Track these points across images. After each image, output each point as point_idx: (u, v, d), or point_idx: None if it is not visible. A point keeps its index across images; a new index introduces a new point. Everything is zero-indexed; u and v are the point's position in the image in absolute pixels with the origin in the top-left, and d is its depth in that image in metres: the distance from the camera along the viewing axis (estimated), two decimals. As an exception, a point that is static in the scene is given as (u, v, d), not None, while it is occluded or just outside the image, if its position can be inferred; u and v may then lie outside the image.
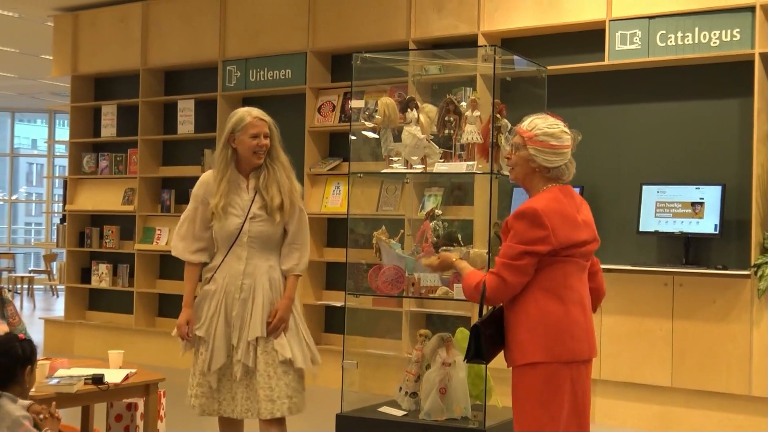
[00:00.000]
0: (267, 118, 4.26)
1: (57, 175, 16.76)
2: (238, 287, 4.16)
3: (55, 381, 4.27)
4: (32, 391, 3.79)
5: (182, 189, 8.96)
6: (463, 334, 4.89)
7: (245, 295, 4.16)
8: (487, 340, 3.41)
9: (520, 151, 3.44)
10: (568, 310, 3.36)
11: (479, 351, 3.41)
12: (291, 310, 4.19)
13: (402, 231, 5.09)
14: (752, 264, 6.02)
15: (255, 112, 4.25)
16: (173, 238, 4.36)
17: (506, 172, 4.64)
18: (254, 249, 4.19)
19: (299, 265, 4.25)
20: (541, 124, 3.43)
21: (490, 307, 3.58)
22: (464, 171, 4.80)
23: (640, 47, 6.52)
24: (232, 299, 4.16)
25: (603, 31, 6.67)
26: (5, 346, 3.58)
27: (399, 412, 4.90)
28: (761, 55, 6.10)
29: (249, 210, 4.18)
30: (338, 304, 7.47)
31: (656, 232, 6.41)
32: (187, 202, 8.86)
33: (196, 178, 4.42)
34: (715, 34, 6.30)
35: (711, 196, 6.23)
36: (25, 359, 3.57)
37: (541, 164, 3.42)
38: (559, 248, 3.33)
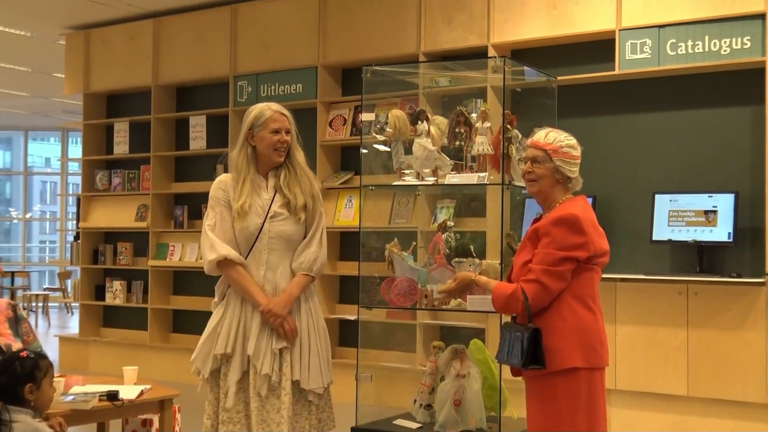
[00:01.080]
0: (287, 112, 4.09)
1: (70, 192, 16.84)
2: None
3: (70, 398, 4.28)
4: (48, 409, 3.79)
5: (195, 205, 8.99)
6: (476, 346, 4.89)
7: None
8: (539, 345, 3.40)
9: (545, 164, 3.50)
10: (596, 317, 3.45)
11: (537, 356, 3.38)
12: (288, 308, 3.94)
13: (414, 243, 5.08)
14: (766, 271, 6.00)
15: (275, 106, 4.08)
16: (204, 251, 4.02)
17: (518, 183, 4.64)
18: (276, 251, 3.98)
19: (307, 263, 4.00)
20: (559, 136, 3.56)
21: (511, 315, 3.60)
22: (476, 182, 4.79)
23: (650, 56, 6.51)
24: (252, 308, 3.95)
25: (613, 40, 6.67)
26: (5, 364, 3.57)
27: (414, 425, 4.88)
28: (772, 62, 6.10)
29: (269, 209, 3.99)
30: (352, 317, 7.48)
31: (670, 241, 6.39)
32: (200, 217, 8.78)
33: (207, 194, 4.24)
34: (725, 42, 6.29)
35: (724, 204, 6.21)
36: (25, 377, 3.55)
37: (565, 175, 3.52)
38: (593, 256, 3.38)
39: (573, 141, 3.56)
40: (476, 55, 7.12)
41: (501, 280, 4.01)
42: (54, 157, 21.40)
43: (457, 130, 4.88)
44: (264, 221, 3.99)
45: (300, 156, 4.12)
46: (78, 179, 10.79)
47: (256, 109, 4.08)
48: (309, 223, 4.06)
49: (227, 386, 3.92)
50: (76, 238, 9.97)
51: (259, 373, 3.90)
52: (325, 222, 4.14)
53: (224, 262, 3.95)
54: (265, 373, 3.90)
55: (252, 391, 3.89)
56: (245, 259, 3.98)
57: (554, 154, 3.51)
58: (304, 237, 4.06)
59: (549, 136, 3.55)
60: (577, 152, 3.55)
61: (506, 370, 3.91)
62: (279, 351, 3.94)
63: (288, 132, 4.06)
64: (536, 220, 3.64)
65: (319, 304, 4.22)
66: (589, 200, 4.29)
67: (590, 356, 3.38)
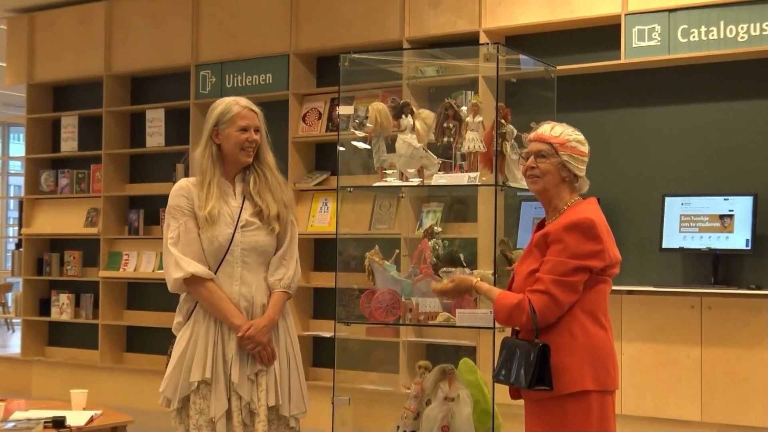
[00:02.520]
0: (257, 109, 4.09)
1: (11, 195, 16.75)
2: None
3: (10, 425, 4.26)
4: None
5: (152, 209, 8.96)
6: (467, 366, 4.88)
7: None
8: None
9: (551, 158, 3.51)
10: (608, 335, 3.47)
11: (544, 376, 3.38)
12: (269, 333, 3.96)
13: (397, 251, 5.07)
14: (789, 283, 6.03)
15: (243, 101, 4.07)
16: (168, 268, 3.98)
17: (513, 184, 4.65)
18: (249, 264, 3.98)
19: (287, 280, 4.03)
20: (566, 129, 3.57)
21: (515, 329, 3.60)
22: (466, 183, 4.79)
23: (659, 44, 6.54)
24: (228, 329, 3.94)
25: (618, 26, 6.69)
26: None
27: (397, 454, 4.87)
28: (794, 50, 6.14)
29: (239, 218, 3.99)
30: (327, 334, 7.46)
31: (681, 249, 6.41)
32: (157, 223, 8.77)
33: (166, 197, 4.20)
34: (742, 28, 6.32)
35: (741, 207, 6.24)
36: None
37: (572, 172, 3.54)
38: (607, 265, 3.40)
39: (581, 136, 3.59)
40: (466, 42, 7.13)
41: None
42: (-7, 155, 21.29)
43: (445, 125, 4.88)
44: (234, 231, 3.98)
45: (270, 158, 4.12)
46: (20, 180, 10.76)
47: (223, 103, 4.07)
48: (281, 234, 4.06)
49: (208, 417, 3.89)
50: (18, 246, 9.93)
51: (243, 401, 3.91)
52: (297, 234, 4.16)
53: (192, 280, 3.93)
54: (246, 402, 3.91)
55: (236, 421, 3.89)
56: (215, 273, 3.97)
57: (561, 148, 3.52)
58: (276, 248, 4.07)
59: (555, 129, 3.57)
60: (586, 149, 3.58)
61: (501, 392, 3.91)
62: (255, 374, 3.95)
63: (257, 131, 4.05)
64: (540, 225, 3.64)
65: (294, 322, 4.22)
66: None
67: (602, 378, 3.39)
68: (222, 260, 3.97)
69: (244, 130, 4.01)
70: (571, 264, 3.37)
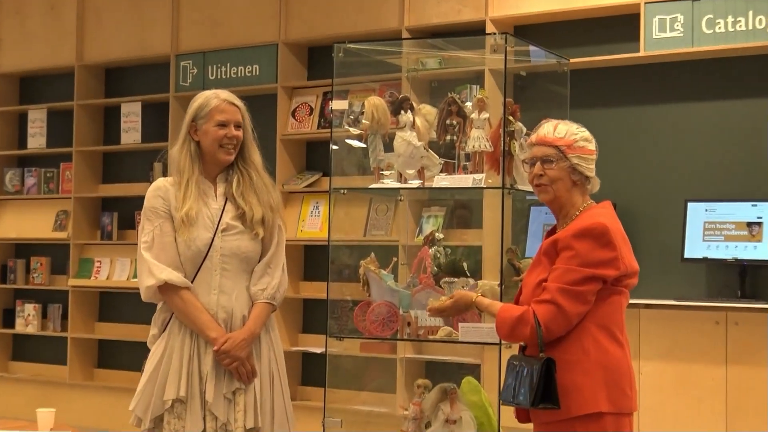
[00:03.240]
0: (239, 102, 4.09)
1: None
2: None
3: (-30, 447, 4.25)
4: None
5: (127, 212, 8.95)
6: (470, 385, 4.88)
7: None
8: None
9: (559, 163, 3.52)
10: (625, 352, 3.47)
11: (550, 392, 3.37)
12: (248, 348, 3.94)
13: (395, 259, 5.08)
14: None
15: (224, 94, 4.08)
16: (141, 275, 4.01)
17: (521, 187, 4.65)
18: (229, 271, 3.98)
19: (270, 290, 4.01)
20: (570, 127, 3.59)
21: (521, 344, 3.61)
22: (470, 185, 4.80)
23: (682, 35, 6.54)
24: (205, 342, 3.94)
25: (637, 15, 6.70)
26: None
27: (393, 482, 4.87)
28: (829, 43, 6.15)
29: (219, 221, 3.99)
30: (317, 350, 7.46)
31: (705, 260, 6.41)
32: (133, 227, 8.76)
33: (143, 198, 4.21)
34: (773, 19, 6.35)
35: (771, 214, 6.25)
36: None
37: (584, 174, 3.55)
38: (623, 275, 3.40)
39: (587, 133, 3.59)
40: (472, 32, 7.13)
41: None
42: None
43: (448, 122, 4.88)
44: (214, 235, 3.98)
45: (256, 157, 4.13)
46: (-17, 179, 10.72)
47: (201, 97, 4.09)
48: (267, 240, 4.07)
49: None
50: (-19, 251, 9.91)
51: (219, 422, 3.90)
52: (284, 241, 4.16)
53: (166, 288, 3.93)
54: (222, 423, 3.90)
55: None
56: (192, 281, 3.97)
57: (569, 150, 3.52)
58: (261, 255, 4.06)
59: (559, 129, 3.57)
60: (594, 146, 3.58)
61: (508, 414, 3.91)
62: (232, 393, 3.94)
63: (239, 126, 4.06)
64: (551, 232, 3.64)
65: (279, 336, 4.22)
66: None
67: (618, 399, 3.39)
68: (200, 267, 3.97)
69: (223, 125, 4.02)
70: (582, 272, 3.38)
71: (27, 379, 9.37)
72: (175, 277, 3.92)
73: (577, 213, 3.56)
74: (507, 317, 3.49)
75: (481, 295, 3.85)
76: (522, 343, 3.60)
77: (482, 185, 4.78)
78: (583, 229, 3.43)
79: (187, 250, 3.96)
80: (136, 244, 4.08)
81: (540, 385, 3.35)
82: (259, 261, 4.06)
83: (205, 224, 3.98)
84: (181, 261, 3.97)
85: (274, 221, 4.08)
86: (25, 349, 9.66)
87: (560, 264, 3.43)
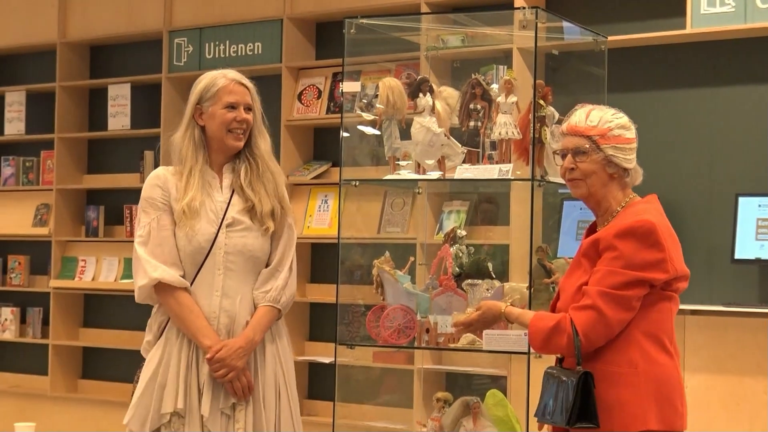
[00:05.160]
0: (249, 83, 4.12)
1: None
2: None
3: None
4: None
5: (115, 205, 8.96)
6: (495, 399, 4.90)
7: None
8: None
9: (593, 155, 3.51)
10: (675, 363, 3.49)
11: (589, 410, 3.38)
12: (245, 357, 3.94)
13: (412, 259, 5.09)
14: None
15: (232, 74, 4.11)
16: (135, 273, 4.03)
17: (553, 179, 4.66)
18: (234, 272, 3.99)
19: (274, 291, 4.01)
20: (605, 114, 3.56)
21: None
22: (496, 177, 4.81)
23: (733, 10, 6.53)
24: (203, 352, 3.94)
25: (684, -12, 6.70)
26: None
27: (410, 506, 4.90)
28: None
29: (225, 215, 4.01)
30: (326, 359, 7.48)
31: (758, 261, 6.40)
32: (121, 222, 8.79)
33: (134, 190, 4.23)
34: (835, -9, 6.34)
35: (832, 210, 6.25)
36: None
37: (621, 166, 3.55)
38: (672, 278, 3.41)
39: (624, 119, 3.58)
40: (498, 6, 7.13)
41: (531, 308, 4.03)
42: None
43: (471, 106, 4.90)
44: (218, 231, 3.99)
45: (264, 144, 4.14)
46: (-45, 169, 10.77)
47: (207, 77, 4.11)
48: (276, 238, 4.08)
49: None
50: (-47, 248, 9.95)
51: None
52: (295, 239, 4.15)
53: (160, 288, 3.95)
54: None
55: None
56: (192, 281, 3.98)
57: (603, 140, 3.51)
58: (270, 255, 4.08)
59: (592, 116, 3.56)
60: (632, 134, 3.57)
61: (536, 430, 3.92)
62: (231, 409, 3.95)
63: (249, 109, 4.07)
64: (591, 230, 3.65)
65: (289, 345, 4.22)
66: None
67: (669, 416, 3.39)
68: (201, 266, 3.99)
69: (232, 107, 4.03)
70: (626, 275, 3.38)
71: (4, 390, 9.40)
72: (169, 275, 3.93)
73: (619, 209, 3.56)
74: (541, 327, 3.49)
75: (511, 305, 3.85)
76: (559, 355, 3.61)
77: (509, 177, 4.79)
78: (628, 227, 3.43)
79: (188, 244, 3.98)
80: (125, 241, 4.11)
81: (577, 401, 3.36)
82: (268, 261, 4.07)
83: (208, 218, 3.99)
84: (181, 258, 3.99)
85: (283, 216, 4.09)
86: (2, 357, 9.70)
87: (602, 266, 3.43)
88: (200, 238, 3.96)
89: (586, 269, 3.50)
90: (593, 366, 3.41)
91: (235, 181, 4.06)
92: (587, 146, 3.53)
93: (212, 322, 3.97)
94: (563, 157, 3.60)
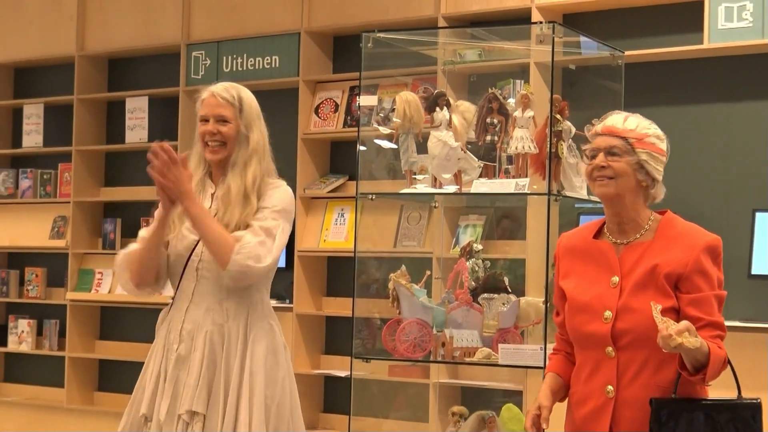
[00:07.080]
0: (229, 94, 4.05)
1: (-37, 199, 16.85)
2: (176, 337, 4.00)
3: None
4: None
5: (132, 217, 8.98)
6: (511, 413, 4.90)
7: (184, 348, 3.97)
8: None
9: (626, 156, 3.48)
10: None
11: None
12: (181, 182, 3.91)
13: (428, 273, 5.10)
14: None
15: (217, 86, 4.09)
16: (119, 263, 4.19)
17: (570, 193, 4.66)
18: (207, 280, 3.99)
19: (245, 243, 3.89)
20: (643, 122, 3.56)
21: None
22: (513, 191, 4.82)
23: (751, 25, 6.53)
24: (173, 360, 3.99)
25: (701, 3, 6.69)
26: None
27: None
28: None
29: None
30: (342, 373, 7.48)
31: (775, 276, 6.40)
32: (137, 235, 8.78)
33: (150, 203, 4.29)
34: None
35: None
36: None
37: (651, 175, 3.52)
38: None
39: (660, 131, 3.58)
40: (516, 21, 7.13)
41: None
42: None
43: (488, 120, 4.91)
44: (198, 240, 4.02)
45: (244, 162, 4.05)
46: (-26, 181, 10.81)
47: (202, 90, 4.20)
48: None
49: None
50: (-30, 260, 9.98)
51: None
52: (283, 226, 4.04)
53: (124, 261, 4.14)
54: None
55: None
56: (174, 293, 4.07)
57: (639, 144, 3.48)
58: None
59: (629, 120, 3.54)
60: (665, 146, 3.56)
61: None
62: (190, 416, 3.90)
63: (223, 121, 4.04)
64: (598, 232, 3.60)
65: (288, 356, 4.14)
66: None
67: None
68: (182, 274, 4.03)
69: (205, 120, 4.07)
70: (721, 297, 3.52)
71: (20, 402, 9.42)
72: (131, 246, 4.13)
73: (650, 222, 3.54)
74: (722, 355, 3.56)
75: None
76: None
77: (526, 191, 4.80)
78: (712, 246, 3.52)
79: (173, 250, 4.07)
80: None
81: None
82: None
83: (189, 227, 4.02)
84: (169, 263, 4.07)
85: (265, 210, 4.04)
86: (19, 369, 9.72)
87: (706, 291, 3.49)
88: (180, 245, 4.04)
89: (667, 294, 3.45)
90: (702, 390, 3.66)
91: (218, 193, 4.08)
92: (622, 147, 3.50)
93: (177, 326, 4.01)
94: (592, 157, 3.54)
